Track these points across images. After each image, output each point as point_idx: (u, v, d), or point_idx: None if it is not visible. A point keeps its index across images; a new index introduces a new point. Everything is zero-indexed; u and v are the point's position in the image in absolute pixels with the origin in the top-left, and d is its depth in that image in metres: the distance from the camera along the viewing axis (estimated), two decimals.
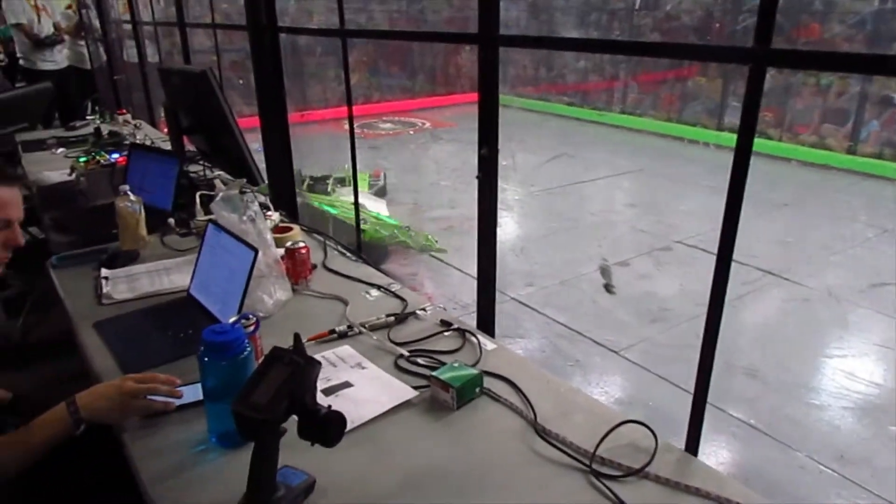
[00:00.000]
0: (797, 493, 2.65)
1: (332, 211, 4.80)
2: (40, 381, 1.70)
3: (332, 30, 2.49)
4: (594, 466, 1.14)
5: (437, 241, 4.81)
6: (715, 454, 2.81)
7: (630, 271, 4.81)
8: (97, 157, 2.93)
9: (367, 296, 1.84)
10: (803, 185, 7.55)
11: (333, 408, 1.03)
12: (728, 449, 2.89)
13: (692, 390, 1.35)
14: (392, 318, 1.66)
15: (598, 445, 1.17)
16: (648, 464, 1.14)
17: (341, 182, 5.55)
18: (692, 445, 1.31)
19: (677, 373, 3.31)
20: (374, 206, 5.31)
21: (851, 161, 7.94)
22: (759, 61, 1.05)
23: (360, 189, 5.04)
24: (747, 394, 3.29)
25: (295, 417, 1.02)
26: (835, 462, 2.79)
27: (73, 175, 2.86)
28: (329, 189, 5.44)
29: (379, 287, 1.87)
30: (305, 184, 5.46)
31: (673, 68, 10.94)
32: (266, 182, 2.69)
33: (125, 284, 1.90)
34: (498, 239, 1.89)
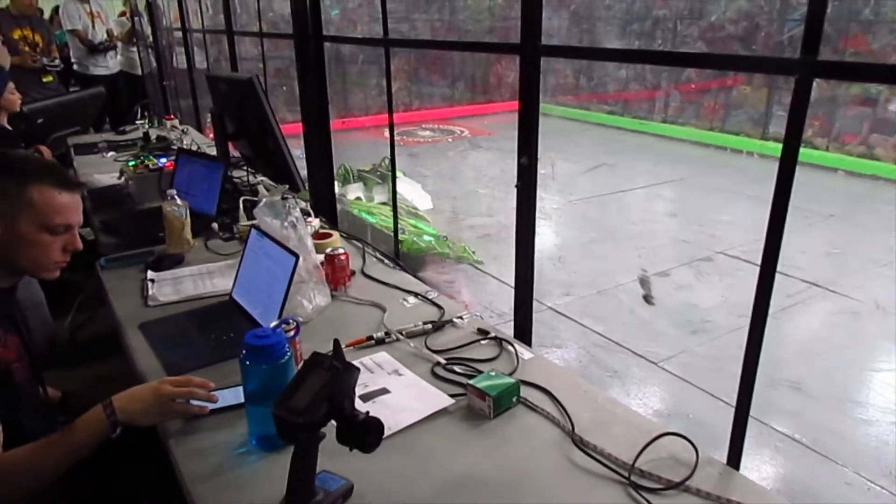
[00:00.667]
0: None
1: (371, 219, 4.81)
2: (88, 380, 1.75)
3: (375, 39, 2.51)
4: (633, 479, 1.12)
5: (474, 253, 4.77)
6: (758, 469, 2.74)
7: (670, 282, 4.74)
8: (145, 162, 3.02)
9: (405, 303, 1.85)
10: (850, 195, 7.34)
11: (371, 414, 1.04)
12: (771, 464, 2.82)
13: (734, 403, 1.32)
14: (429, 326, 1.67)
15: (637, 457, 1.15)
16: (689, 477, 1.12)
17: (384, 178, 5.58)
18: (734, 459, 1.29)
19: (718, 385, 3.24)
20: (412, 192, 5.34)
21: None
22: (805, 72, 1.03)
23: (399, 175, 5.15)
24: (791, 407, 3.21)
25: (333, 422, 1.03)
26: (883, 478, 2.70)
27: (122, 178, 2.94)
28: (378, 177, 5.48)
29: (416, 294, 1.88)
30: (353, 176, 5.52)
31: (716, 77, 10.76)
32: (307, 188, 2.73)
33: (170, 287, 1.95)
34: (535, 248, 1.88)
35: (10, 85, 3.13)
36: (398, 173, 5.26)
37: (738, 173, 8.05)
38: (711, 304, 4.33)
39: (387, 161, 5.45)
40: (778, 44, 9.33)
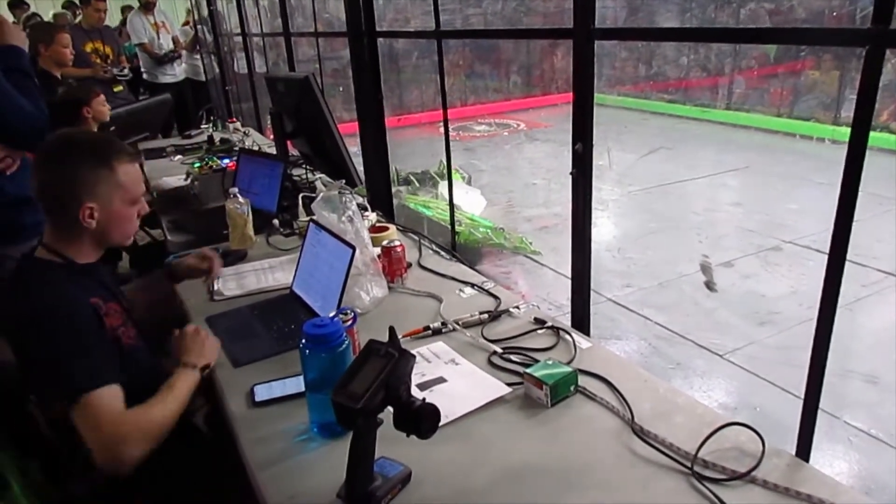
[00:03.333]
0: None
1: (427, 212, 4.76)
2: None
3: (427, 31, 2.52)
4: (696, 469, 1.10)
5: (531, 244, 4.68)
6: (830, 464, 2.63)
7: (735, 272, 4.59)
8: (210, 163, 3.11)
9: (461, 293, 1.85)
10: None
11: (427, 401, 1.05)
12: (844, 459, 2.70)
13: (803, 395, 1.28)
14: (485, 316, 1.67)
15: (700, 447, 1.13)
16: (755, 468, 1.09)
17: (440, 177, 5.54)
18: (803, 450, 1.24)
19: (788, 378, 3.12)
20: (468, 199, 5.25)
21: None
22: (877, 43, 0.98)
23: (455, 181, 5.03)
24: (867, 401, 3.06)
25: (391, 409, 1.05)
26: None
27: (189, 180, 3.05)
28: (432, 183, 5.43)
29: (472, 285, 1.89)
30: (401, 179, 5.47)
31: (783, 62, 10.34)
32: (364, 183, 2.76)
33: (234, 282, 2.01)
34: (594, 239, 1.85)
35: (101, 97, 3.28)
36: (455, 176, 5.26)
37: (807, 160, 7.71)
38: (780, 295, 4.16)
39: (441, 165, 5.43)
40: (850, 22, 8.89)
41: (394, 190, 4.79)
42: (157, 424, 1.27)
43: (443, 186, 5.26)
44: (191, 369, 1.39)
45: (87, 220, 1.34)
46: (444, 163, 5.23)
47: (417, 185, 5.57)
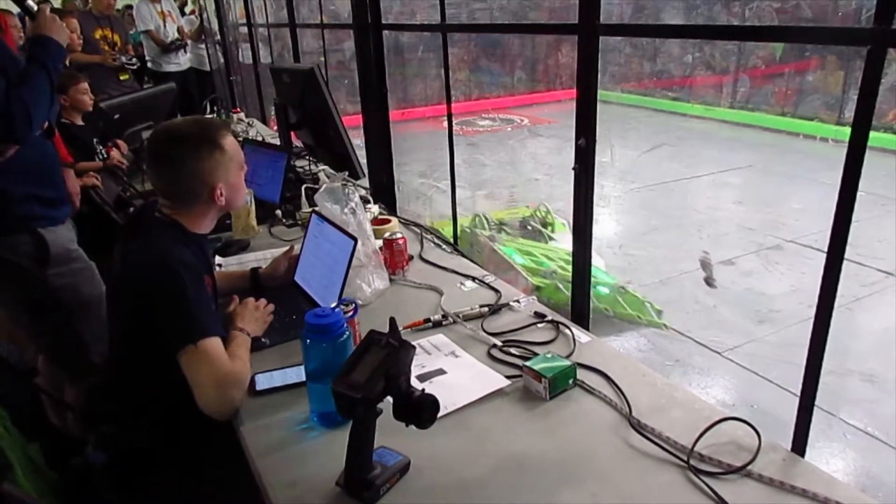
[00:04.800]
0: None
1: (519, 259, 4.00)
2: None
3: (432, 24, 2.53)
4: (692, 463, 1.11)
5: (660, 312, 3.80)
6: (826, 462, 2.64)
7: (736, 270, 4.60)
8: None
9: (462, 287, 1.86)
10: None
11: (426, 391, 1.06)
12: (841, 457, 2.72)
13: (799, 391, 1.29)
14: (486, 309, 1.68)
15: (696, 441, 1.14)
16: (751, 462, 1.10)
17: (545, 226, 4.78)
18: (799, 445, 1.25)
19: (787, 376, 3.12)
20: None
21: None
22: (878, 42, 0.98)
23: (562, 231, 4.62)
24: (865, 400, 3.07)
25: (390, 399, 1.06)
26: None
27: None
28: (545, 236, 4.66)
29: (473, 278, 1.89)
30: (489, 224, 4.75)
31: (788, 62, 10.32)
32: (366, 175, 2.77)
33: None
34: (596, 236, 1.86)
35: (83, 85, 3.27)
36: (560, 225, 4.72)
37: (810, 160, 7.71)
38: (781, 294, 4.17)
39: (539, 209, 4.90)
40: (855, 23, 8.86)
41: (485, 234, 4.36)
42: (246, 374, 1.38)
43: (558, 234, 4.66)
44: (246, 335, 1.48)
45: (220, 199, 1.48)
46: (546, 208, 4.83)
47: (508, 231, 4.87)
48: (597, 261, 4.08)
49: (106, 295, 1.58)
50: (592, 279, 3.76)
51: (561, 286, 3.69)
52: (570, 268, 3.46)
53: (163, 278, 1.34)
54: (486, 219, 4.81)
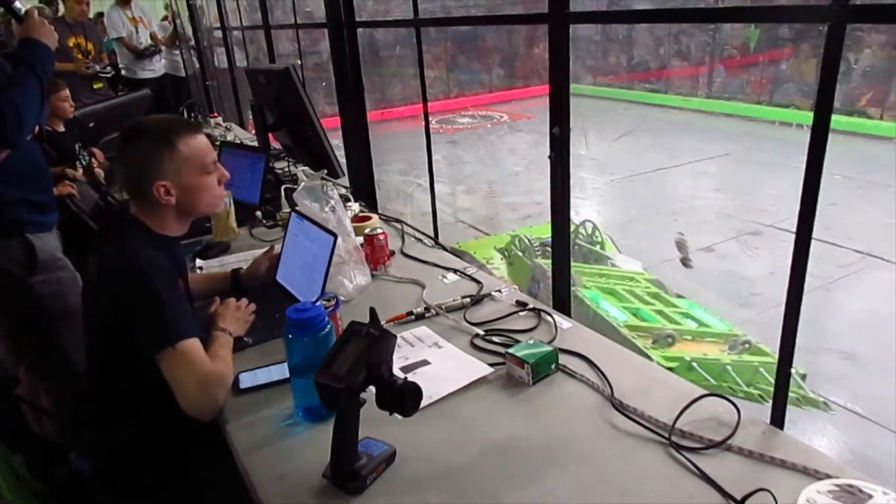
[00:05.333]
0: None
1: (617, 317, 3.41)
2: None
3: (406, 20, 2.54)
4: (673, 439, 1.12)
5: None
6: (808, 440, 2.68)
7: (715, 256, 4.66)
8: None
9: (444, 279, 1.87)
10: None
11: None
12: (822, 433, 2.77)
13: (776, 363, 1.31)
14: (468, 300, 1.68)
15: (677, 418, 1.15)
16: (731, 436, 1.12)
17: (594, 244, 4.37)
18: (778, 418, 1.27)
19: None
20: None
21: None
22: (838, 19, 1.00)
23: (611, 250, 4.23)
24: (844, 378, 3.12)
25: (374, 390, 1.06)
26: None
27: None
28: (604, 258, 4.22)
29: (455, 271, 1.90)
30: (533, 252, 4.18)
31: (762, 52, 10.45)
32: (346, 174, 2.77)
33: None
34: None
35: (64, 93, 3.25)
36: (611, 249, 4.35)
37: (786, 146, 7.79)
38: (760, 277, 4.23)
39: (587, 228, 4.46)
40: None
41: (542, 262, 3.89)
42: (229, 374, 1.38)
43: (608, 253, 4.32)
44: (228, 335, 1.49)
45: (166, 198, 1.44)
46: (592, 224, 4.40)
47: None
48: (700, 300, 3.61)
49: (83, 299, 1.57)
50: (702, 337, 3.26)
51: (697, 366, 3.02)
52: (684, 322, 3.19)
53: (134, 280, 1.33)
54: (528, 240, 4.23)
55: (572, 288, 3.55)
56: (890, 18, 1.01)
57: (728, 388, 2.95)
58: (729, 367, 2.99)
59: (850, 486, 0.96)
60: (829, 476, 1.00)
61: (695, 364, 3.05)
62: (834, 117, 1.09)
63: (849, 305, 3.87)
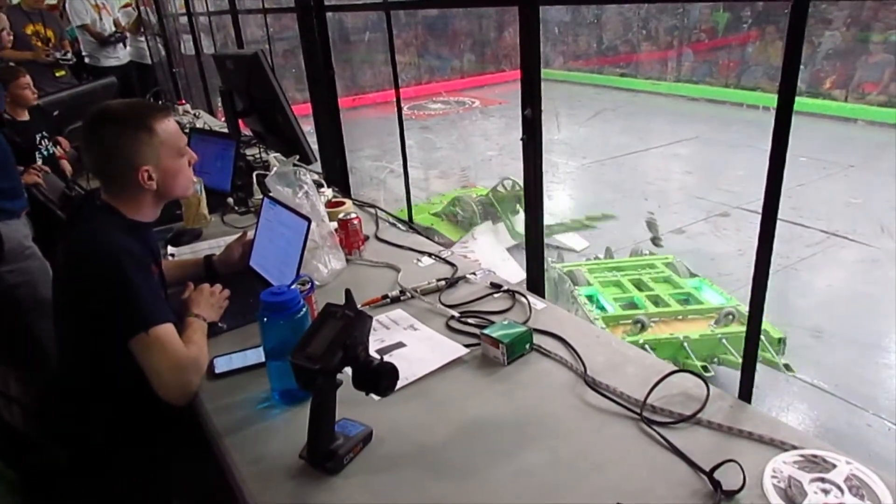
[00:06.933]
0: (865, 449, 2.58)
1: (606, 309, 3.48)
2: None
3: (375, 3, 2.53)
4: (645, 414, 1.15)
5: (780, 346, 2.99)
6: (777, 416, 2.76)
7: (686, 237, 4.73)
8: None
9: (419, 263, 1.88)
10: (871, 145, 7.20)
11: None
12: (792, 409, 2.84)
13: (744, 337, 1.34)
14: (443, 283, 1.70)
15: (648, 394, 1.18)
16: (700, 410, 1.15)
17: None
18: (745, 393, 1.31)
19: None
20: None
21: None
22: None
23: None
24: (812, 355, 3.20)
25: (349, 371, 1.07)
26: None
27: None
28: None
29: (430, 254, 1.91)
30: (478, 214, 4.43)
31: (730, 35, 10.56)
32: (318, 160, 2.76)
33: None
34: (549, 211, 1.89)
35: (24, 80, 3.18)
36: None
37: (754, 128, 7.91)
38: (730, 257, 4.31)
39: (507, 183, 4.83)
40: None
41: (559, 267, 3.95)
42: (204, 359, 1.38)
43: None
44: (202, 321, 1.49)
45: (148, 183, 1.43)
46: (514, 181, 4.61)
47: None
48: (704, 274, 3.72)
49: (52, 287, 1.55)
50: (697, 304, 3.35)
51: (687, 349, 3.10)
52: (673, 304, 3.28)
53: (105, 265, 1.32)
54: (470, 200, 4.41)
55: (572, 291, 3.63)
56: None
57: (728, 359, 3.01)
58: (724, 340, 3.05)
59: (815, 455, 1.00)
60: (794, 447, 1.04)
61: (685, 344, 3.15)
62: (799, 99, 1.12)
63: (816, 284, 3.96)
